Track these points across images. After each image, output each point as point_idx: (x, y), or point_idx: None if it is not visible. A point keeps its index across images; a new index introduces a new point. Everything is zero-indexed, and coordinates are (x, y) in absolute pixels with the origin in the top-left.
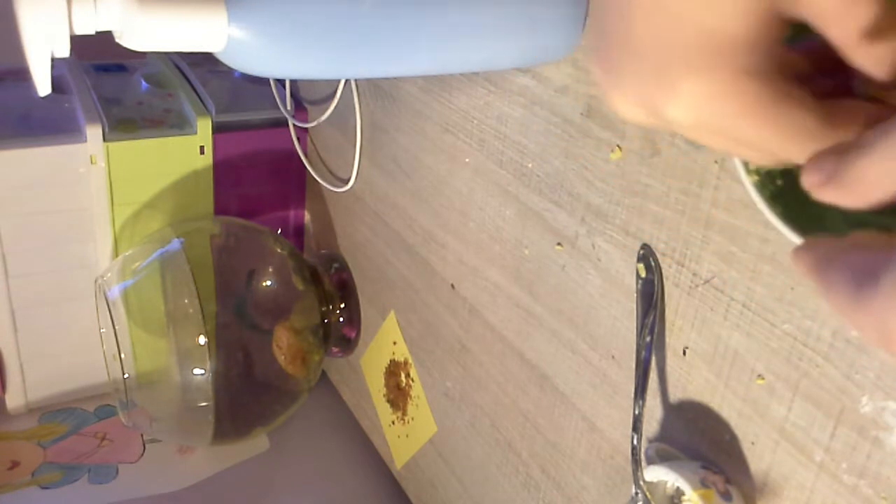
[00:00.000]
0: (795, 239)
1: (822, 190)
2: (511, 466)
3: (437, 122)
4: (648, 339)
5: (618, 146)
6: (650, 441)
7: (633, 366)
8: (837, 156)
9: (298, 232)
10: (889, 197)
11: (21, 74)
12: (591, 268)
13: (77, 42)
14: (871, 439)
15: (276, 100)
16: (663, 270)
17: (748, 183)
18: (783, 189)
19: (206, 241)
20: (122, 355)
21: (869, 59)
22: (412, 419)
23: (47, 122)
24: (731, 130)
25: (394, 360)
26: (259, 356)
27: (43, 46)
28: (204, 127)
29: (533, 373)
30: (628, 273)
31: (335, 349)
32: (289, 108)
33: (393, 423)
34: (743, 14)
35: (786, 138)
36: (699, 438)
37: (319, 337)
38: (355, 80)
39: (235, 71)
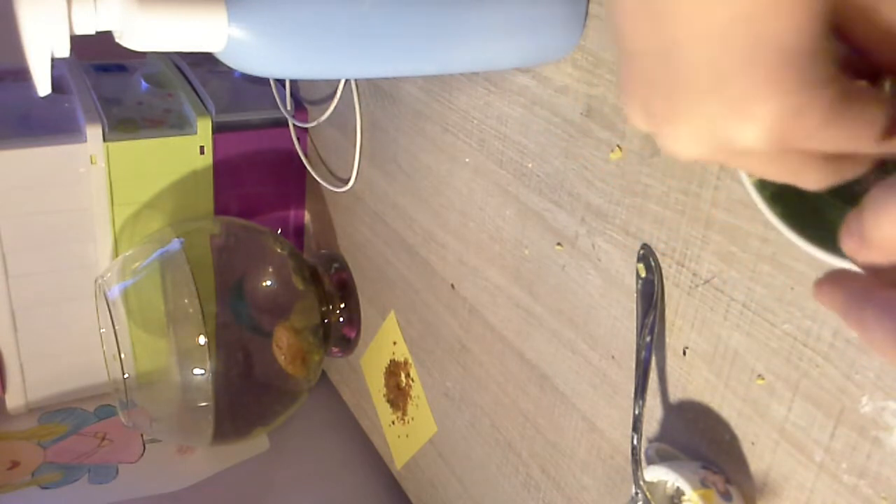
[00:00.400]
0: (795, 238)
1: (858, 254)
2: (511, 466)
3: (437, 122)
4: (648, 339)
5: (618, 146)
6: (650, 441)
7: (633, 366)
8: (858, 215)
9: (298, 232)
10: None
11: (21, 74)
12: (591, 268)
13: (77, 42)
14: (871, 439)
15: (276, 100)
16: (663, 270)
17: (748, 183)
18: (783, 189)
19: (206, 241)
20: (122, 355)
21: None
22: (412, 419)
23: (47, 122)
24: (811, 143)
25: (394, 360)
26: (259, 356)
27: (43, 46)
28: (204, 127)
29: (533, 373)
30: (628, 273)
31: (335, 349)
32: (289, 108)
33: (393, 423)
34: (806, 23)
35: (863, 135)
36: (699, 438)
37: (319, 337)
38: (355, 80)
39: (235, 71)
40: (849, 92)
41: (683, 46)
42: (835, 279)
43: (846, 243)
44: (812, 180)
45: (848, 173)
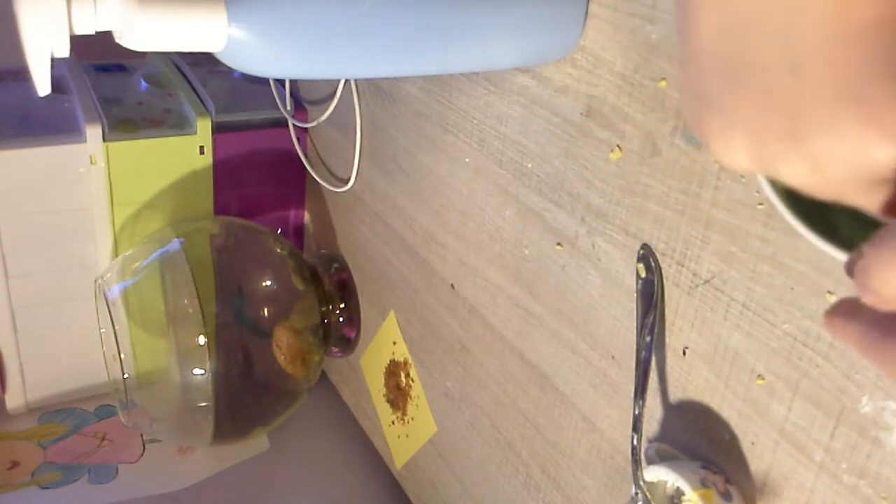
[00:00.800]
0: (805, 232)
1: (866, 298)
2: (511, 466)
3: (437, 122)
4: (648, 339)
5: (618, 146)
6: (650, 441)
7: (633, 366)
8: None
9: (298, 232)
10: None
11: (21, 74)
12: (591, 268)
13: (77, 42)
14: (871, 439)
15: (276, 100)
16: (663, 270)
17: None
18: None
19: (206, 241)
20: (122, 355)
21: None
22: (412, 419)
23: (47, 122)
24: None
25: (394, 360)
26: (259, 356)
27: (43, 46)
28: (204, 127)
29: (533, 373)
30: (628, 273)
31: (335, 349)
32: (289, 108)
33: (393, 423)
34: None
35: None
36: (699, 438)
37: (319, 337)
38: (355, 80)
39: (235, 71)
40: None
41: (811, 55)
42: (847, 311)
43: (849, 273)
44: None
45: None
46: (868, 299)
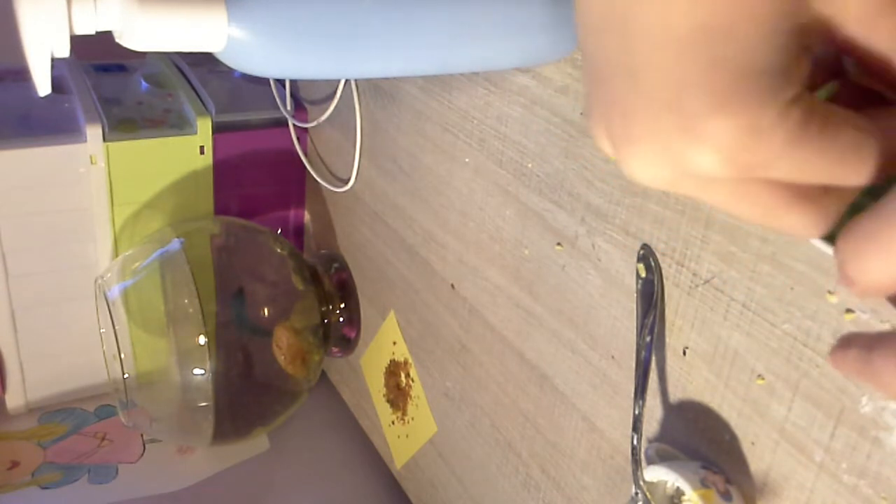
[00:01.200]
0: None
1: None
2: (511, 466)
3: (437, 122)
4: (648, 339)
5: None
6: (650, 441)
7: (633, 366)
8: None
9: (298, 232)
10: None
11: (21, 74)
12: (591, 268)
13: (77, 42)
14: (871, 439)
15: (276, 100)
16: (663, 270)
17: None
18: None
19: (206, 241)
20: (122, 355)
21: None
22: (412, 419)
23: (47, 122)
24: (779, 172)
25: (394, 360)
26: (259, 356)
27: (43, 46)
28: (204, 127)
29: (533, 373)
30: (628, 273)
31: (335, 349)
32: (289, 108)
33: (393, 423)
34: (768, 39)
35: (841, 162)
36: (699, 438)
37: (319, 337)
38: (355, 80)
39: (235, 71)
40: (823, 114)
41: (641, 62)
42: (845, 344)
43: (841, 280)
44: (793, 222)
45: (837, 211)
46: (854, 291)
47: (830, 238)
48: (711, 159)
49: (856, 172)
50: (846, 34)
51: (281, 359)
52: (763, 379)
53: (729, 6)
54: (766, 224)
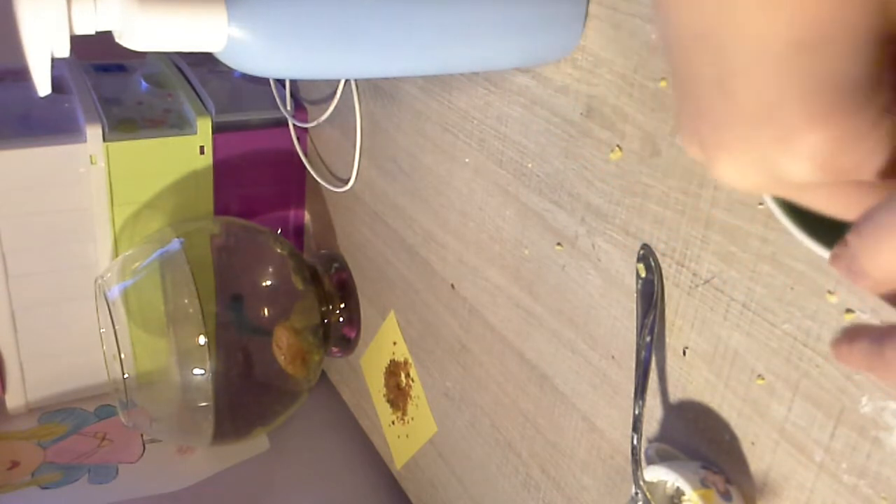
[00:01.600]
0: (799, 234)
1: (851, 280)
2: (511, 466)
3: (437, 122)
4: (648, 339)
5: (618, 146)
6: (650, 441)
7: (633, 366)
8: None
9: (298, 232)
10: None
11: (21, 74)
12: (591, 268)
13: (77, 42)
14: (871, 439)
15: (276, 100)
16: (663, 270)
17: None
18: None
19: (206, 241)
20: (122, 355)
21: None
22: (412, 419)
23: (47, 122)
24: (863, 176)
25: (394, 360)
26: (259, 356)
27: (43, 46)
28: (204, 127)
29: (533, 373)
30: (628, 273)
31: (335, 349)
32: (289, 108)
33: (393, 423)
34: (861, 53)
35: None
36: (699, 438)
37: (319, 337)
38: (355, 80)
39: (235, 71)
40: None
41: (737, 74)
42: (850, 336)
43: (836, 266)
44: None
45: None
46: (862, 285)
47: (824, 240)
48: (805, 168)
49: None
50: None
51: (281, 359)
52: (763, 379)
53: (823, 21)
54: (843, 216)
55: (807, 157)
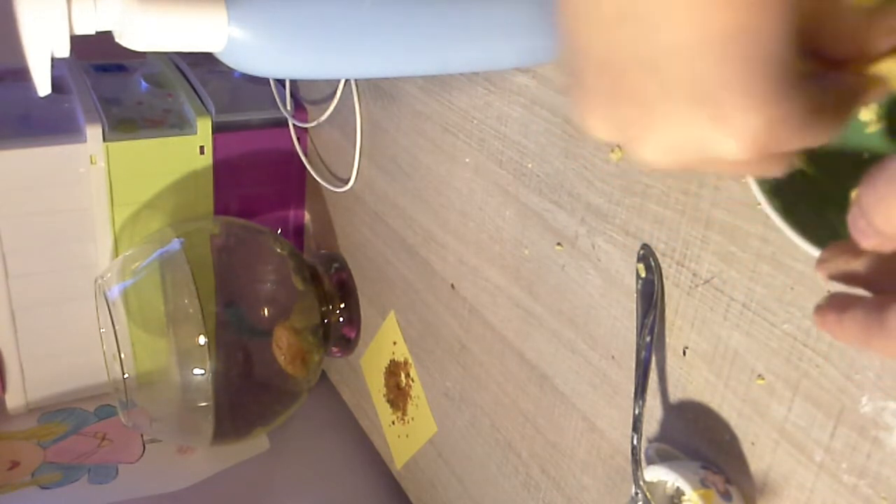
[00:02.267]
0: (793, 235)
1: (865, 239)
2: (511, 466)
3: (437, 122)
4: (648, 339)
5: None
6: (650, 441)
7: (633, 366)
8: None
9: (298, 232)
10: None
11: (21, 74)
12: (591, 268)
13: (77, 42)
14: (871, 439)
15: (276, 100)
16: (663, 270)
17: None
18: (782, 183)
19: (206, 241)
20: (122, 355)
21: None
22: (412, 419)
23: (47, 122)
24: (786, 148)
25: (394, 360)
26: (259, 356)
27: (43, 46)
28: (204, 127)
29: (533, 373)
30: (628, 273)
31: (335, 349)
32: (289, 108)
33: (393, 423)
34: (785, 35)
35: (836, 124)
36: (699, 438)
37: (319, 337)
38: (355, 80)
39: (235, 71)
40: (822, 91)
41: (671, 54)
42: (839, 305)
43: (854, 227)
44: (778, 171)
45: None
46: (870, 243)
47: (816, 238)
48: (738, 146)
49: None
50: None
51: (281, 359)
52: (763, 379)
53: (756, 8)
54: (755, 176)
55: (741, 136)
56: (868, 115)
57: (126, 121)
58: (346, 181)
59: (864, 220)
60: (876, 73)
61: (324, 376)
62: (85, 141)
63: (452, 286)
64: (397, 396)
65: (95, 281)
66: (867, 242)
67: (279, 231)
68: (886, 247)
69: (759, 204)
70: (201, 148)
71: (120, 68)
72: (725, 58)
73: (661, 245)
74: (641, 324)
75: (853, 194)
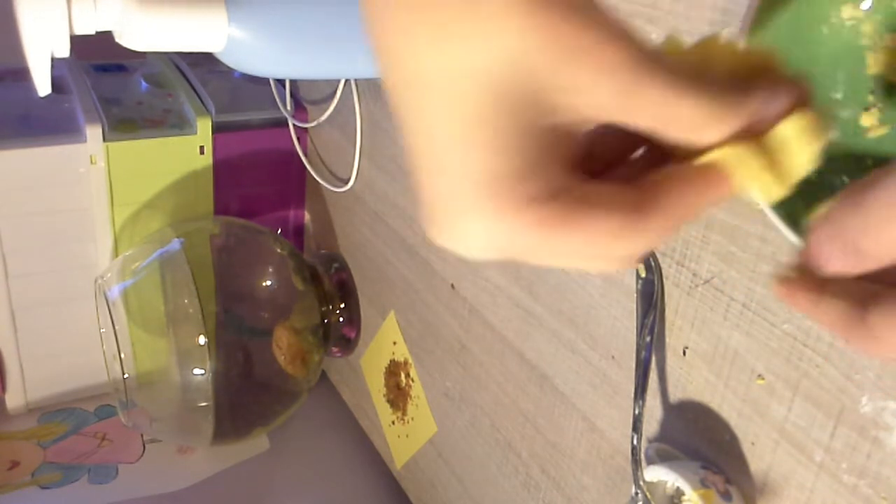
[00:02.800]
0: (791, 235)
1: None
2: (511, 466)
3: None
4: (648, 339)
5: None
6: (650, 441)
7: (633, 366)
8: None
9: (298, 232)
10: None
11: (21, 74)
12: None
13: (77, 42)
14: (871, 439)
15: (276, 100)
16: (663, 270)
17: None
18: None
19: (206, 241)
20: (122, 355)
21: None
22: (412, 419)
23: (47, 122)
24: (534, 257)
25: (394, 360)
26: (259, 356)
27: (43, 46)
28: (204, 127)
29: (533, 373)
30: (628, 273)
31: (335, 349)
32: (289, 108)
33: (393, 423)
34: (505, 148)
35: (600, 240)
36: (699, 438)
37: (319, 337)
38: (355, 80)
39: (235, 71)
40: (586, 199)
41: (447, 152)
42: (817, 285)
43: (822, 243)
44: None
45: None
46: (840, 266)
47: (796, 224)
48: (477, 254)
49: (623, 247)
50: (605, 118)
51: (281, 359)
52: (763, 379)
53: (472, 124)
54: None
55: (475, 245)
56: (869, 120)
57: (126, 121)
58: (346, 181)
59: (842, 242)
60: (713, 162)
61: (324, 376)
62: (85, 141)
63: (452, 286)
64: (397, 396)
65: (95, 281)
66: (837, 265)
67: (279, 231)
68: (858, 269)
69: (759, 204)
70: (201, 148)
71: (120, 68)
72: (454, 170)
73: (661, 245)
74: (641, 324)
75: (817, 216)
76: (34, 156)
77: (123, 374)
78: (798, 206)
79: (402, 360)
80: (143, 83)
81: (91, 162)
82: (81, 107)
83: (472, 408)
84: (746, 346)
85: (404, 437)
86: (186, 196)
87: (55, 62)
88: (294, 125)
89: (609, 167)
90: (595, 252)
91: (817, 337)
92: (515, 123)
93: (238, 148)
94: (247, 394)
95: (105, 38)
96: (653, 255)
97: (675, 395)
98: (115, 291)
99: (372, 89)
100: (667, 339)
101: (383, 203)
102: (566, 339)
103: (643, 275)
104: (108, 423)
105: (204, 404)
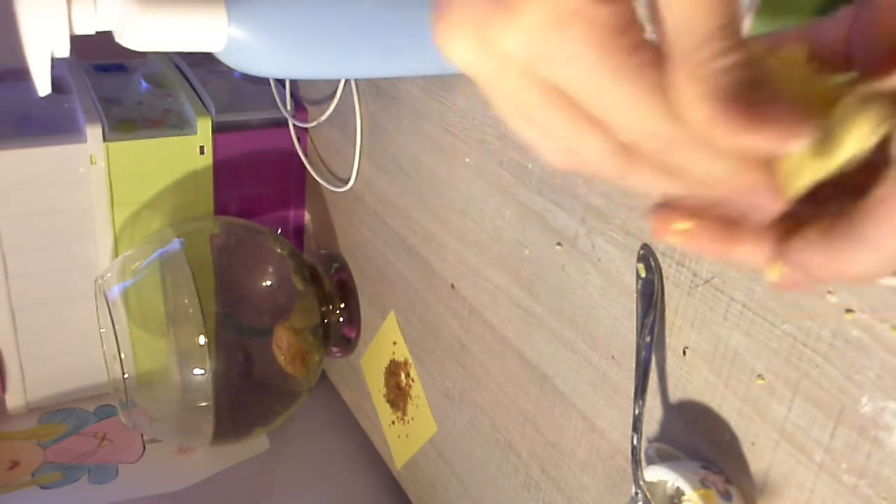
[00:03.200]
0: None
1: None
2: (511, 466)
3: (437, 122)
4: (648, 339)
5: None
6: (650, 441)
7: (633, 366)
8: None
9: (298, 232)
10: None
11: (21, 74)
12: (591, 268)
13: (77, 42)
14: (871, 439)
15: (276, 100)
16: (663, 270)
17: None
18: None
19: (206, 241)
20: (122, 355)
21: None
22: (412, 419)
23: (47, 122)
24: (574, 79)
25: (394, 360)
26: (259, 356)
27: (43, 46)
28: (204, 127)
29: (533, 373)
30: (628, 273)
31: (335, 349)
32: (289, 108)
33: (393, 423)
34: None
35: (642, 97)
36: (699, 438)
37: (319, 337)
38: (355, 80)
39: (235, 71)
40: (632, 24)
41: None
42: (689, 210)
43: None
44: (591, 151)
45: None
46: (797, 286)
47: None
48: (516, 40)
49: (655, 123)
50: None
51: (281, 359)
52: (763, 379)
53: None
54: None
55: (521, 28)
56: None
57: (126, 121)
58: (346, 181)
59: (824, 269)
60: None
61: (324, 376)
62: (85, 141)
63: (452, 286)
64: (397, 396)
65: (95, 281)
66: (802, 286)
67: (279, 231)
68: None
69: None
70: (201, 148)
71: (120, 68)
72: None
73: (662, 245)
74: (641, 324)
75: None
76: (34, 156)
77: (123, 374)
78: None
79: (402, 360)
80: (143, 83)
81: (91, 162)
82: (81, 107)
83: (472, 408)
84: (746, 346)
85: (404, 437)
86: (186, 196)
87: (55, 62)
88: (294, 125)
89: None
90: (629, 103)
91: (817, 337)
92: None
93: (238, 148)
94: (247, 394)
95: (105, 38)
96: (653, 254)
97: (675, 395)
98: (115, 291)
99: (372, 89)
100: (667, 339)
101: (383, 203)
102: (566, 339)
103: (643, 275)
104: (108, 423)
105: (204, 404)
